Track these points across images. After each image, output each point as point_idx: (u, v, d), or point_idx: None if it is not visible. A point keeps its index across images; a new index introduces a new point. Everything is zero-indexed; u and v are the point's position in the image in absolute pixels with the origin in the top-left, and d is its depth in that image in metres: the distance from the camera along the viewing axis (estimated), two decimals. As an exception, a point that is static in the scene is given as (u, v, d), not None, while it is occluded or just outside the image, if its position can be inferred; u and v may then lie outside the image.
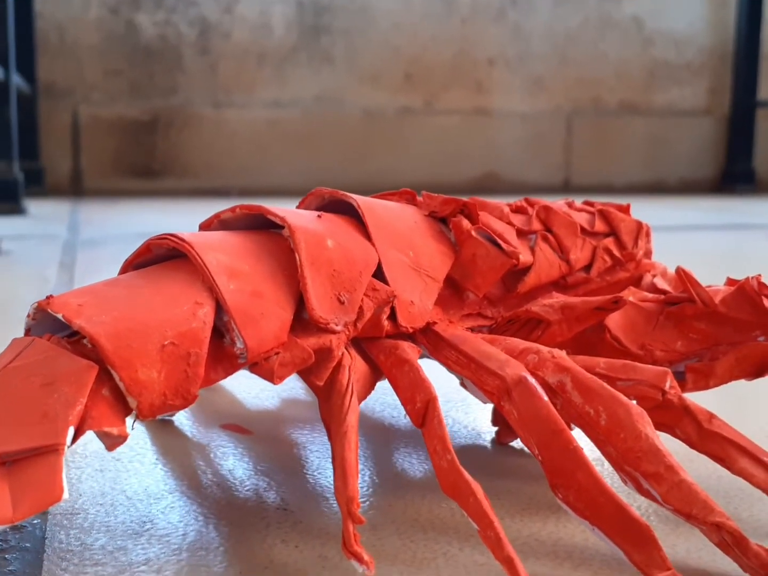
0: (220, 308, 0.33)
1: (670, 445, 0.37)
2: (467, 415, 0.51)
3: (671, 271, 0.48)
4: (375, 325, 0.37)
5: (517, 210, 0.44)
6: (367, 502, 0.39)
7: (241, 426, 0.49)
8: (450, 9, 2.28)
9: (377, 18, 2.25)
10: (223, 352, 0.33)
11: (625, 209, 0.47)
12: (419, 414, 0.34)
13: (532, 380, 0.34)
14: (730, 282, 0.43)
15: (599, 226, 0.45)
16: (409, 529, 0.36)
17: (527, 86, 2.36)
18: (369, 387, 0.37)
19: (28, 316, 0.34)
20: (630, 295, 0.43)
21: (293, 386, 0.56)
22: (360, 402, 0.36)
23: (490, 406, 0.47)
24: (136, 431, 0.48)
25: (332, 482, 0.40)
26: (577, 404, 0.35)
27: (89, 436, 0.46)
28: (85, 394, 0.30)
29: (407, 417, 0.35)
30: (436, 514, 0.38)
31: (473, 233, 0.41)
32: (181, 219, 1.55)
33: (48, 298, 0.33)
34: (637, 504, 0.39)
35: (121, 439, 0.31)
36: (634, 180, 2.43)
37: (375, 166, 2.26)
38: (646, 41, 2.40)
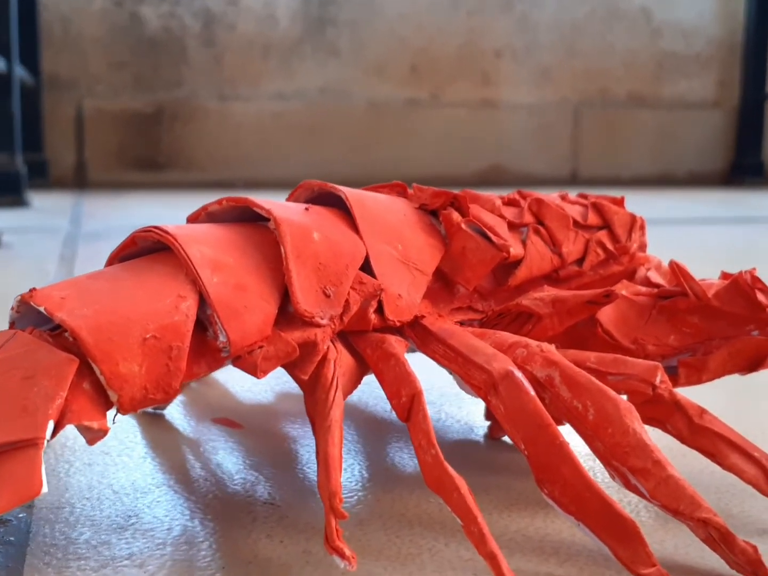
0: (203, 301, 0.33)
1: (663, 439, 0.37)
2: (460, 410, 0.51)
3: (666, 264, 0.47)
4: (362, 318, 0.37)
5: (510, 203, 0.44)
6: (355, 497, 0.39)
7: (233, 420, 0.48)
8: (456, 0, 2.27)
9: (383, 9, 2.24)
10: (206, 345, 0.33)
11: (619, 202, 0.46)
12: (404, 408, 0.34)
13: (518, 374, 0.34)
14: (724, 276, 0.42)
15: (592, 219, 0.44)
16: (395, 525, 0.36)
17: (534, 78, 2.34)
18: (355, 381, 0.36)
19: (12, 308, 0.33)
20: (623, 288, 0.42)
21: (287, 380, 0.56)
22: (346, 396, 0.35)
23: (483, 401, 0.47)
24: (126, 425, 0.48)
25: (321, 476, 0.40)
26: (565, 399, 0.35)
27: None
28: (65, 388, 0.30)
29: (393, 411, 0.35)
30: (423, 509, 0.37)
31: (463, 226, 0.40)
32: (186, 212, 1.53)
33: (31, 290, 0.33)
34: (627, 499, 0.39)
35: (102, 433, 0.31)
36: (642, 172, 2.42)
37: (380, 158, 2.25)
38: (654, 32, 2.39)
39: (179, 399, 0.52)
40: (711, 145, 2.47)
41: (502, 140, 2.33)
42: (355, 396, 0.53)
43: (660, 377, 0.36)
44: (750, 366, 0.41)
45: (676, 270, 0.41)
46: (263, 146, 2.22)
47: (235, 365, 0.33)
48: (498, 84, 2.33)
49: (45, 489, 0.28)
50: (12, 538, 0.35)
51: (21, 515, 0.37)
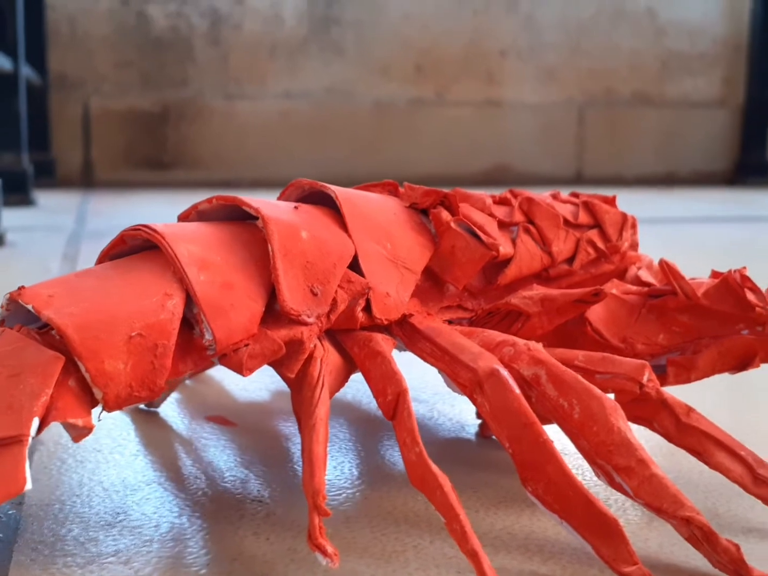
0: (190, 300, 0.33)
1: (653, 438, 0.37)
2: (453, 408, 0.51)
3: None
4: (349, 317, 0.37)
5: (501, 202, 0.44)
6: (344, 495, 0.39)
7: (226, 418, 0.49)
8: (461, 0, 2.27)
9: (388, 9, 2.24)
10: (193, 343, 0.33)
11: (611, 201, 0.46)
12: (390, 406, 0.34)
13: (504, 373, 0.34)
14: (714, 274, 0.42)
15: (583, 217, 0.45)
16: (382, 522, 0.36)
17: (539, 77, 2.34)
18: (342, 379, 0.36)
19: (2, 306, 0.34)
20: (613, 287, 0.42)
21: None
22: (333, 394, 0.36)
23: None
24: (120, 422, 0.48)
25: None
26: (551, 397, 0.35)
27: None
28: (50, 385, 0.30)
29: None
30: (410, 507, 0.38)
31: (452, 225, 0.40)
32: (190, 210, 1.54)
33: (20, 288, 0.33)
34: (614, 497, 0.39)
35: (87, 430, 0.31)
36: (647, 172, 2.42)
37: (386, 157, 2.26)
38: (659, 32, 2.38)
39: (174, 396, 0.52)
40: (716, 145, 2.46)
41: (506, 140, 2.33)
42: (349, 394, 0.53)
43: (647, 376, 0.36)
44: (739, 365, 0.41)
45: (666, 269, 0.41)
46: (269, 145, 2.22)
47: (221, 363, 0.34)
48: (503, 84, 2.32)
49: (29, 485, 0.29)
50: (0, 535, 0.35)
51: (10, 512, 0.37)
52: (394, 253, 0.39)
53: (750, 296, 0.40)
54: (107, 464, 0.42)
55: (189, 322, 0.33)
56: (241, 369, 0.33)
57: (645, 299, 0.42)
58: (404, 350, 0.40)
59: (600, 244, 0.44)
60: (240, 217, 0.38)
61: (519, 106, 2.34)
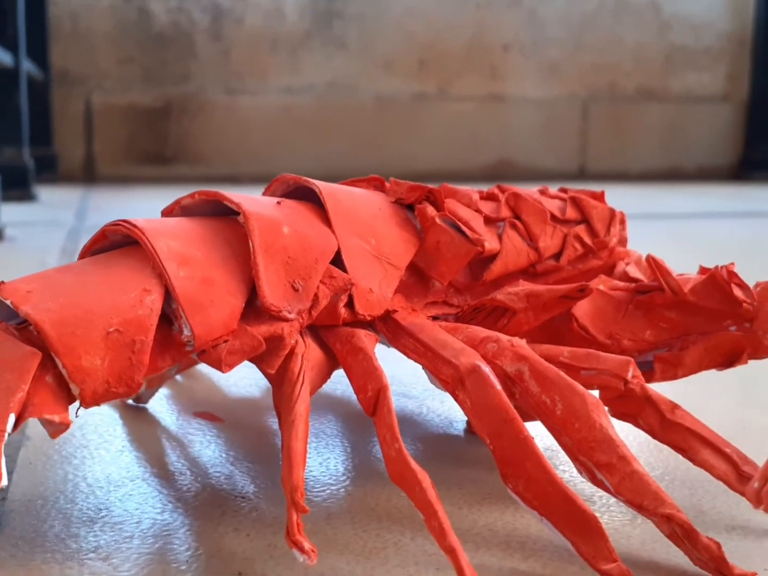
0: (169, 295, 0.33)
1: (640, 432, 0.37)
2: (442, 404, 0.50)
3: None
4: (332, 312, 0.37)
5: (488, 197, 0.44)
6: (327, 491, 0.39)
7: (213, 414, 0.48)
8: (464, -6, 2.27)
9: (391, 3, 2.24)
10: (171, 339, 0.33)
11: (599, 196, 0.46)
12: (370, 402, 0.34)
13: (485, 369, 0.34)
14: (702, 270, 0.42)
15: (571, 213, 0.44)
16: (364, 519, 0.36)
17: (542, 72, 2.34)
18: (325, 375, 0.36)
19: (-17, 302, 0.34)
20: (600, 283, 0.42)
21: (273, 373, 0.56)
22: (315, 390, 0.35)
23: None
24: (108, 417, 0.48)
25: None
26: (534, 393, 0.35)
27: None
28: (27, 381, 0.30)
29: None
30: (393, 503, 0.37)
31: (437, 220, 0.40)
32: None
33: (0, 284, 0.33)
34: (599, 494, 0.39)
35: (64, 426, 0.31)
36: (651, 167, 2.41)
37: (388, 152, 2.25)
38: (663, 26, 2.38)
39: (163, 392, 0.52)
40: (720, 140, 2.45)
41: (510, 135, 2.33)
42: (339, 390, 0.53)
43: (632, 372, 0.36)
44: (727, 361, 0.41)
45: (653, 264, 0.41)
46: (271, 140, 2.22)
47: (200, 359, 0.33)
48: (506, 78, 2.32)
49: (5, 482, 0.29)
50: (-19, 531, 0.35)
51: (-7, 508, 0.37)
52: (378, 249, 0.39)
53: (737, 292, 0.40)
54: (93, 460, 0.42)
55: (168, 318, 0.33)
56: (220, 365, 0.33)
57: (632, 295, 0.42)
58: (390, 346, 0.40)
59: (587, 240, 0.44)
60: (223, 213, 0.38)
61: (522, 100, 2.33)
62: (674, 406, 0.36)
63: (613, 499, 0.38)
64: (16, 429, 0.30)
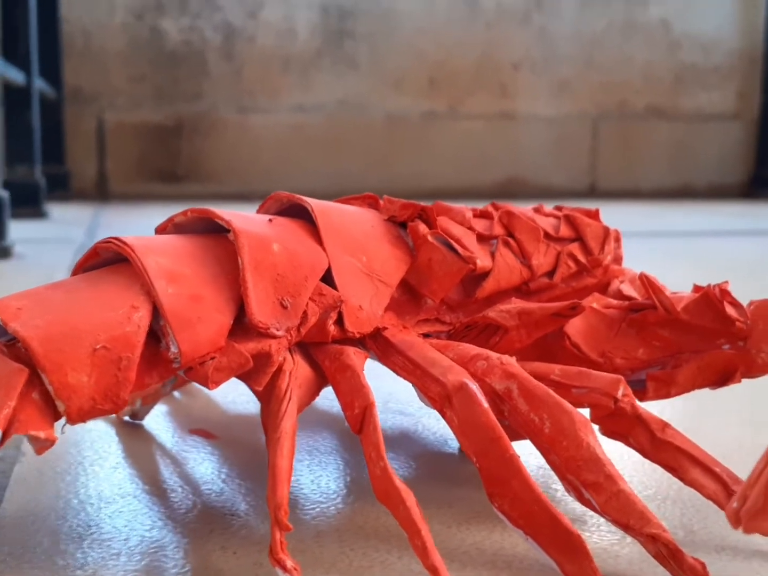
0: (158, 312, 0.33)
1: (633, 451, 0.37)
2: (438, 422, 0.50)
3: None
4: (321, 329, 0.37)
5: (482, 215, 0.44)
6: (317, 509, 0.39)
7: (208, 431, 0.49)
8: (474, 13, 2.28)
9: (401, 22, 2.25)
10: (159, 356, 0.33)
11: (594, 215, 0.46)
12: (357, 420, 0.34)
13: (472, 387, 0.34)
14: (695, 289, 0.42)
15: (564, 231, 0.44)
16: (352, 537, 0.36)
17: (552, 90, 2.34)
18: (313, 393, 0.36)
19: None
20: (594, 301, 0.42)
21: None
22: (302, 408, 0.35)
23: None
24: (104, 434, 0.48)
25: (290, 491, 0.40)
26: (522, 411, 0.35)
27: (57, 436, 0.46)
28: (13, 398, 0.30)
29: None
30: (382, 521, 0.37)
31: (429, 238, 0.40)
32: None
33: (-9, 301, 0.33)
34: (590, 513, 0.38)
35: (49, 443, 0.31)
36: (662, 185, 2.41)
37: (399, 170, 2.26)
38: (673, 44, 2.38)
39: (161, 409, 0.52)
40: (731, 158, 2.45)
41: (520, 153, 2.33)
42: (335, 408, 0.53)
43: (622, 391, 0.36)
44: (720, 380, 0.41)
45: (646, 283, 0.41)
46: (282, 158, 2.23)
47: (186, 376, 0.34)
48: (516, 96, 2.32)
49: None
50: (-30, 547, 0.35)
51: (-17, 524, 0.37)
52: (369, 266, 0.39)
53: (730, 311, 0.40)
54: (86, 476, 0.42)
55: (156, 335, 0.33)
56: (206, 382, 0.33)
57: (625, 313, 0.41)
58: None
59: (581, 258, 0.44)
60: (215, 230, 0.38)
61: (532, 118, 2.34)
62: (665, 425, 0.36)
63: (603, 519, 0.38)
64: (1, 446, 0.30)
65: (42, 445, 0.31)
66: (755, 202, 2.32)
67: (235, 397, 0.55)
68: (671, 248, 1.39)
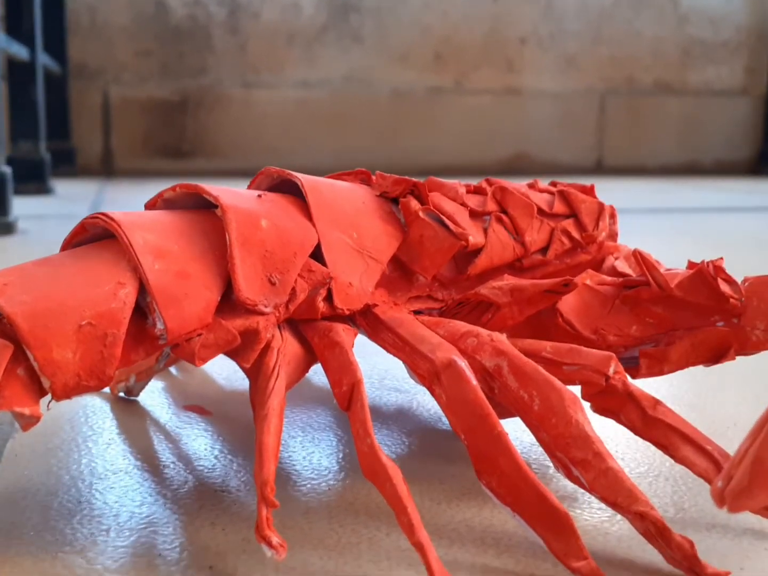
0: (144, 289, 0.33)
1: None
2: (433, 400, 0.50)
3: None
4: (310, 306, 0.37)
5: (475, 191, 0.43)
6: (308, 485, 0.39)
7: (203, 407, 0.49)
8: (481, -13, 2.26)
9: (407, -3, 2.23)
10: (145, 333, 0.33)
11: (589, 190, 0.46)
12: (345, 397, 0.34)
13: (461, 364, 0.34)
14: (690, 265, 0.42)
15: (558, 207, 0.44)
16: (341, 513, 0.36)
17: (559, 65, 2.33)
18: (302, 369, 0.36)
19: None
20: (587, 278, 0.42)
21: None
22: (291, 385, 0.35)
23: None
24: (98, 410, 0.48)
25: (281, 467, 0.40)
26: (512, 388, 0.34)
27: (51, 413, 0.46)
28: (-2, 374, 0.30)
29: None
30: (373, 498, 0.37)
31: (421, 214, 0.40)
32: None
33: (-23, 277, 0.33)
34: (581, 491, 0.38)
35: (34, 419, 0.31)
36: (669, 161, 2.39)
37: (404, 146, 2.25)
38: (681, 19, 2.36)
39: (157, 385, 0.52)
40: (738, 134, 2.43)
41: (526, 128, 2.32)
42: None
43: (613, 368, 0.36)
44: (713, 357, 0.41)
45: (639, 259, 0.41)
46: (287, 134, 2.22)
47: (173, 353, 0.33)
48: (523, 71, 2.31)
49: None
50: (-40, 522, 0.35)
51: (-27, 499, 0.37)
52: (359, 243, 0.39)
53: (724, 287, 0.39)
54: (79, 453, 0.42)
55: (143, 311, 0.33)
56: (193, 358, 0.33)
57: (619, 290, 0.41)
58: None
59: (575, 234, 0.44)
60: (205, 206, 0.38)
61: (539, 94, 2.32)
62: (656, 402, 0.36)
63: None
64: (-13, 421, 0.30)
65: (27, 422, 0.31)
66: (763, 179, 2.30)
67: (230, 373, 0.55)
68: (678, 225, 1.38)
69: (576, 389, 0.36)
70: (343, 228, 0.38)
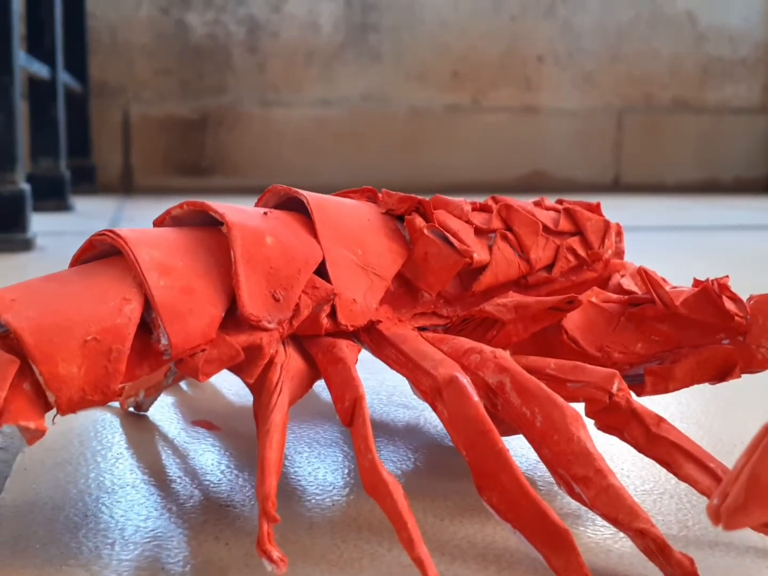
0: (149, 304, 0.34)
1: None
2: (440, 415, 0.50)
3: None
4: (314, 322, 0.37)
5: (481, 208, 0.44)
6: (312, 501, 0.39)
7: (211, 422, 0.49)
8: (499, 5, 2.27)
9: (425, 15, 2.24)
10: (149, 348, 0.33)
11: (595, 208, 0.46)
12: (347, 413, 0.34)
13: (463, 380, 0.34)
14: (695, 283, 0.42)
15: (564, 225, 0.44)
16: (344, 529, 0.36)
17: (577, 83, 2.33)
18: (306, 385, 0.36)
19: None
20: (593, 295, 0.42)
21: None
22: (294, 401, 0.36)
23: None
24: (108, 425, 0.48)
25: (287, 482, 0.41)
26: (515, 405, 0.35)
27: (61, 427, 0.46)
28: (4, 388, 0.30)
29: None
30: (376, 513, 0.37)
31: (426, 231, 0.40)
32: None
33: (-14, 293, 0.34)
34: (584, 508, 0.38)
35: (39, 433, 0.31)
36: (687, 178, 2.39)
37: (422, 164, 2.26)
38: (699, 37, 2.36)
39: (168, 400, 0.53)
40: (757, 151, 2.42)
41: (544, 146, 2.32)
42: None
43: (617, 385, 0.36)
44: (718, 375, 0.41)
45: (644, 277, 0.41)
46: (306, 152, 2.23)
47: (177, 368, 0.34)
48: (540, 89, 2.31)
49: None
50: (-33, 535, 0.35)
51: (-19, 513, 0.37)
52: (364, 260, 0.39)
53: (729, 305, 0.39)
54: (87, 467, 0.43)
55: (148, 327, 0.34)
56: (196, 374, 0.33)
57: (624, 308, 0.41)
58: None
59: (581, 252, 0.44)
60: (211, 223, 0.38)
61: (556, 112, 2.32)
62: (659, 420, 0.36)
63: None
64: (-7, 435, 0.30)
65: (33, 435, 0.31)
66: (782, 196, 2.29)
67: (239, 389, 0.55)
68: (695, 243, 1.38)
69: (580, 406, 0.36)
70: (348, 245, 0.39)
